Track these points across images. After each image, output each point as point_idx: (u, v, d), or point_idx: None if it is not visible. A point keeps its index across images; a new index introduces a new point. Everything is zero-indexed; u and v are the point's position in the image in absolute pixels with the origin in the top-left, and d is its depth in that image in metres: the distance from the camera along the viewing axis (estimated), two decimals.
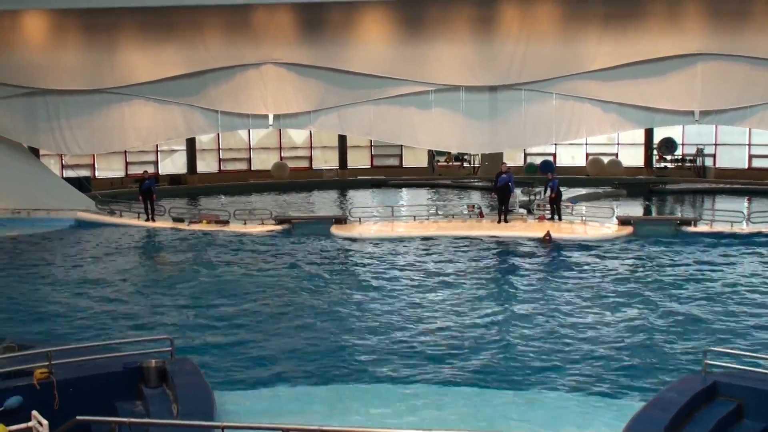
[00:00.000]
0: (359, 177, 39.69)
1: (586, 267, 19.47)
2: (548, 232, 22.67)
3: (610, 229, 24.07)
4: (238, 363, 12.80)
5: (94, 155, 35.12)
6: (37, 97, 27.49)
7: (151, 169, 36.76)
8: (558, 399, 11.32)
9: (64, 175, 32.76)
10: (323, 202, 33.61)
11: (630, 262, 20.05)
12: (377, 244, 22.72)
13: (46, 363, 10.02)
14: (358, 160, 41.41)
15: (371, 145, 41.10)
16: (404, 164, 41.60)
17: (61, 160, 34.79)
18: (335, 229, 24.58)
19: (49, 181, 28.92)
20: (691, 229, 23.68)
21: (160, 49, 26.96)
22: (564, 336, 13.92)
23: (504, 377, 12.08)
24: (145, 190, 26.43)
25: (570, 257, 20.70)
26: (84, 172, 34.45)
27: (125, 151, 35.66)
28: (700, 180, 36.01)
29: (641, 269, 19.19)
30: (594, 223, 24.96)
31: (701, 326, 14.42)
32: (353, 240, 23.38)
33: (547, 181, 25.49)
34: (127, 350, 11.44)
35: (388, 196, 35.03)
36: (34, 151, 31.25)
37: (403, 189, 37.71)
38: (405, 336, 14.03)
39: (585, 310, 15.58)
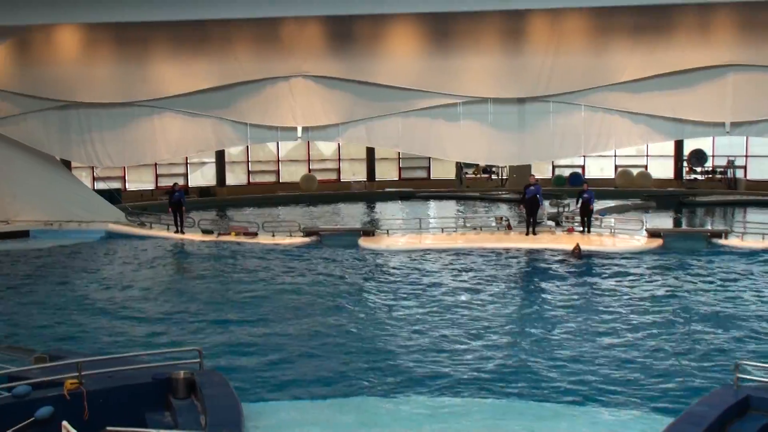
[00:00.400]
0: (387, 189, 39.71)
1: (615, 279, 19.29)
2: (577, 244, 22.49)
3: (639, 241, 23.86)
4: (266, 375, 12.79)
5: (124, 167, 35.47)
6: (69, 110, 27.83)
7: (180, 182, 37.04)
8: (587, 413, 11.19)
9: (96, 188, 33.12)
10: (351, 215, 33.63)
11: (660, 274, 19.84)
12: (405, 256, 22.69)
13: (77, 374, 10.09)
14: (386, 172, 41.45)
15: (399, 158, 41.13)
16: (432, 176, 41.58)
17: (93, 172, 35.15)
18: (363, 242, 24.58)
19: (80, 194, 29.23)
20: (722, 241, 23.41)
21: (191, 62, 27.20)
22: (593, 349, 13.78)
23: (531, 390, 11.97)
24: (175, 202, 26.59)
25: (599, 270, 20.53)
26: (115, 185, 34.81)
27: (155, 164, 35.96)
28: (731, 192, 35.61)
29: (671, 282, 18.98)
30: (623, 235, 24.76)
31: (732, 339, 14.22)
32: (381, 252, 23.36)
33: (581, 192, 25.31)
34: (156, 361, 11.49)
35: (416, 208, 34.99)
36: (67, 164, 31.60)
37: (431, 201, 37.65)
38: (433, 348, 13.97)
39: (614, 322, 15.43)
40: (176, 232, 26.52)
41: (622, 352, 13.60)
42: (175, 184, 28.00)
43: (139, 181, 37.37)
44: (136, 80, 27.38)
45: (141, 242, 25.83)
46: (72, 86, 27.37)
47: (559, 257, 22.09)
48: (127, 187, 36.50)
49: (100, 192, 30.95)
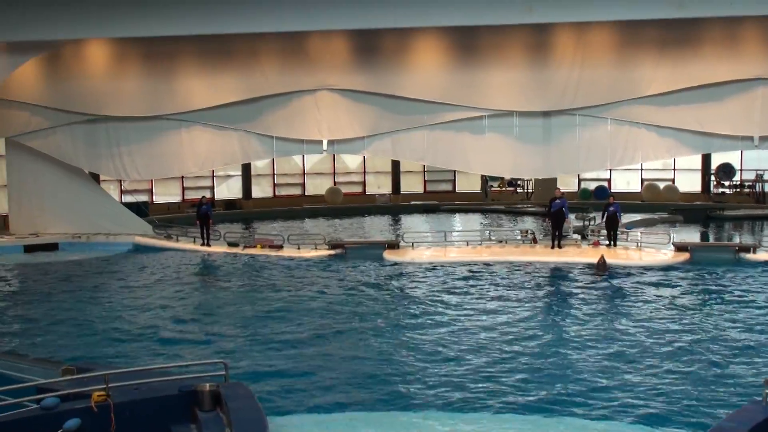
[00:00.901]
0: (412, 202, 39.71)
1: (641, 293, 19.13)
2: (602, 256, 22.34)
3: (666, 255, 23.67)
4: (292, 387, 12.80)
5: (152, 180, 35.75)
6: (98, 123, 28.10)
7: (207, 195, 37.29)
8: (613, 428, 11.09)
9: (123, 200, 33.40)
10: (376, 227, 33.66)
11: (687, 288, 19.67)
12: (430, 269, 22.66)
13: (104, 386, 10.14)
14: (411, 185, 41.46)
15: (424, 171, 41.15)
16: (457, 189, 41.53)
17: (120, 185, 35.46)
18: (388, 254, 24.59)
19: (108, 206, 29.49)
20: (751, 256, 23.17)
21: (218, 76, 27.40)
22: (619, 364, 13.67)
23: (557, 405, 11.88)
24: (202, 215, 26.77)
25: (625, 283, 20.38)
26: (142, 197, 35.07)
27: (182, 177, 36.22)
28: (759, 206, 35.25)
29: (698, 296, 18.81)
30: (650, 249, 24.57)
31: (761, 355, 14.05)
32: (406, 265, 23.35)
33: (607, 206, 25.17)
34: (182, 374, 11.54)
35: (441, 221, 34.95)
36: (95, 177, 31.90)
37: (456, 214, 37.58)
38: (457, 362, 13.91)
39: (640, 337, 15.29)
40: (202, 244, 26.67)
41: (650, 367, 13.47)
42: (203, 197, 28.19)
43: (167, 194, 37.65)
44: (164, 94, 27.62)
45: (168, 254, 25.99)
46: (101, 100, 27.66)
47: (585, 271, 21.96)
48: (154, 199, 36.77)
49: (128, 205, 31.21)
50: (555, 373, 13.27)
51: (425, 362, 13.98)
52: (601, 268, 21.90)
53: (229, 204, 37.64)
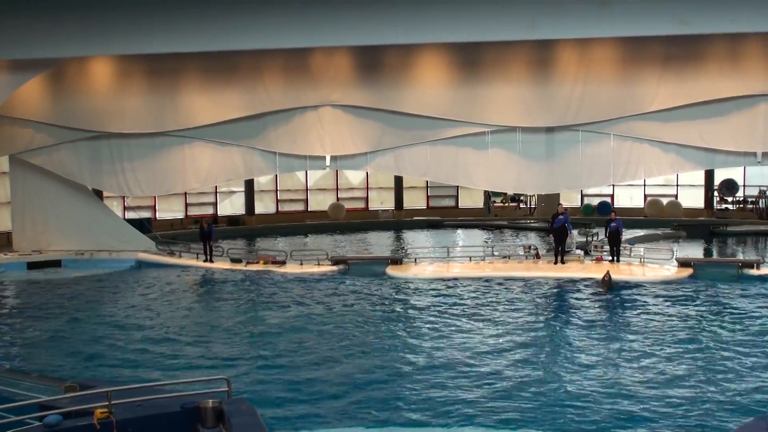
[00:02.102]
0: (415, 218, 39.71)
1: (645, 309, 19.09)
2: (608, 272, 22.30)
3: (669, 271, 23.63)
4: (295, 404, 12.77)
5: (155, 197, 35.77)
6: (101, 140, 28.15)
7: (210, 210, 37.35)
8: None
9: (126, 217, 33.41)
10: (379, 243, 33.65)
11: (690, 304, 19.60)
12: (433, 284, 22.62)
13: (106, 403, 10.11)
14: (414, 200, 41.47)
15: (427, 186, 41.15)
16: (460, 205, 41.52)
17: (124, 201, 35.49)
18: (391, 270, 24.57)
19: (111, 223, 29.49)
20: (754, 271, 23.14)
21: (221, 92, 27.46)
22: (623, 379, 13.63)
23: (561, 423, 11.83)
24: (206, 234, 26.87)
25: (629, 299, 20.34)
26: (145, 214, 35.11)
27: (185, 193, 36.24)
28: (763, 222, 35.17)
29: (702, 312, 18.74)
30: (653, 264, 24.53)
31: (766, 370, 13.99)
32: (409, 281, 23.31)
33: (609, 221, 25.16)
34: (185, 390, 11.50)
35: (444, 236, 34.95)
36: (98, 193, 31.93)
37: (459, 230, 37.59)
38: (460, 378, 13.86)
39: (645, 353, 15.24)
40: (205, 261, 26.66)
41: (654, 383, 13.42)
42: (204, 220, 28.08)
43: (169, 210, 37.67)
44: (167, 110, 27.67)
45: (171, 271, 25.97)
46: (104, 117, 27.69)
47: (588, 286, 21.92)
48: (157, 216, 36.80)
49: (131, 221, 31.21)
50: (557, 390, 13.20)
51: (428, 378, 13.93)
52: (606, 284, 21.85)
53: (232, 220, 37.66)
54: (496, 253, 26.97)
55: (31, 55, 24.76)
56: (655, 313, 18.65)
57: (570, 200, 38.21)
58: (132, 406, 10.37)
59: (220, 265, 26.28)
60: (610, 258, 25.04)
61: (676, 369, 14.19)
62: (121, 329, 18.12)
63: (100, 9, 23.45)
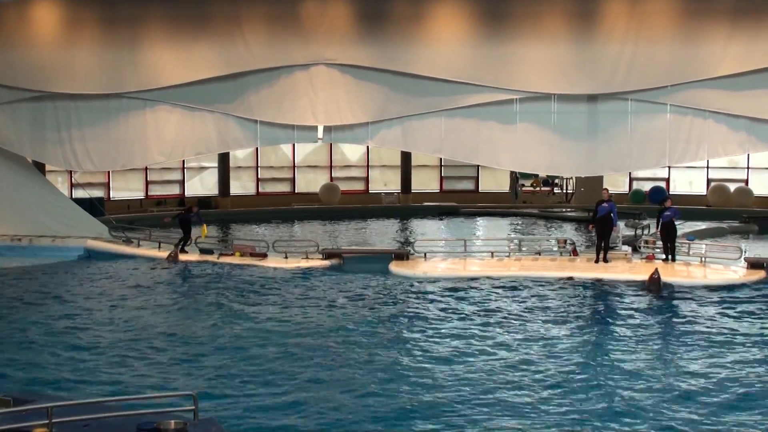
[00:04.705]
0: (425, 203, 39.75)
1: (704, 318, 19.09)
2: (656, 270, 22.29)
3: (736, 273, 23.65)
4: (271, 424, 12.82)
5: (108, 172, 35.80)
6: (45, 102, 28.17)
7: (176, 190, 37.39)
8: None
9: (73, 196, 33.46)
10: (381, 233, 33.66)
11: (759, 313, 19.61)
12: (446, 285, 22.63)
13: (46, 421, 10.15)
14: (425, 182, 41.51)
15: (441, 165, 41.15)
16: (481, 189, 41.55)
17: (70, 177, 35.51)
18: (395, 267, 24.61)
19: (55, 203, 29.53)
20: None
21: (191, 46, 27.41)
22: (673, 400, 13.69)
23: None
24: (184, 221, 26.96)
25: (684, 306, 20.36)
26: (96, 193, 35.15)
27: (146, 168, 36.27)
28: None
29: None
30: (717, 265, 24.53)
31: None
32: (417, 280, 23.35)
33: (662, 211, 25.11)
34: (143, 408, 11.55)
35: (461, 227, 34.96)
36: (39, 167, 31.95)
37: (479, 219, 37.58)
38: (479, 398, 13.89)
39: (702, 371, 15.26)
40: (176, 246, 26.60)
41: (711, 410, 13.44)
42: (191, 206, 28.18)
43: (126, 189, 37.74)
44: (125, 68, 27.62)
45: (126, 263, 26.00)
46: (48, 74, 27.68)
47: (636, 290, 21.93)
48: (111, 195, 36.86)
49: (79, 201, 31.24)
50: (599, 410, 13.24)
51: (438, 398, 13.95)
52: (653, 285, 21.85)
53: (203, 202, 37.69)
54: (524, 249, 26.97)
55: None
56: (717, 325, 18.63)
57: (616, 185, 38.21)
58: (78, 426, 10.41)
59: (187, 257, 26.30)
60: (663, 256, 25.04)
61: (737, 394, 14.16)
62: (66, 333, 18.14)
63: None
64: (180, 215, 27.66)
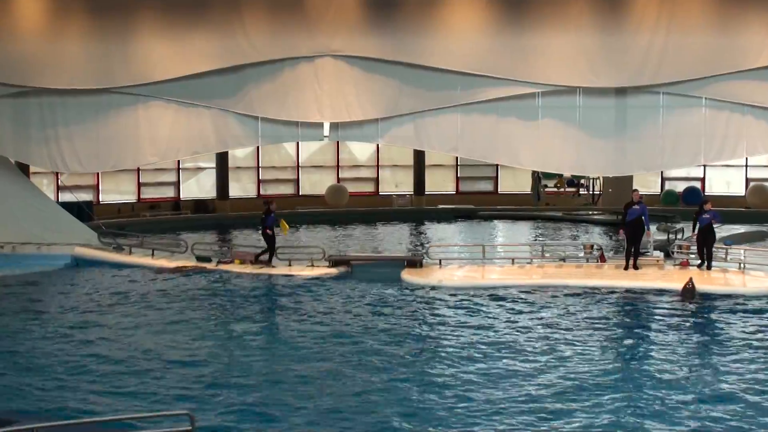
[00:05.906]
0: (440, 206, 39.74)
1: (741, 330, 19.07)
2: (690, 279, 22.30)
3: None
4: None
5: (98, 174, 35.87)
6: (28, 98, 28.23)
7: (170, 193, 37.45)
8: None
9: (60, 200, 33.52)
10: (392, 238, 33.67)
11: None
12: (463, 294, 22.64)
13: None
14: (440, 183, 41.54)
15: (457, 165, 41.16)
16: (500, 190, 41.55)
17: (57, 179, 35.59)
18: (407, 274, 24.63)
19: (40, 207, 29.56)
20: None
21: (187, 37, 27.47)
22: (710, 415, 13.68)
23: None
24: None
25: (721, 316, 20.33)
26: (85, 196, 35.22)
27: (138, 169, 36.34)
28: None
29: None
30: (757, 272, 24.49)
31: None
32: (431, 288, 23.36)
33: (698, 214, 25.05)
34: (136, 428, 11.59)
35: (479, 231, 34.93)
36: (23, 168, 32.01)
37: (498, 222, 37.56)
38: (501, 418, 13.89)
39: (740, 387, 15.23)
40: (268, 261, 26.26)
41: (748, 421, 13.44)
42: (270, 203, 27.31)
43: (117, 192, 37.81)
44: (116, 60, 27.69)
45: (117, 272, 26.04)
46: (32, 67, 27.74)
47: (669, 299, 21.92)
48: (100, 199, 36.94)
49: (66, 205, 31.30)
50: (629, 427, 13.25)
51: (454, 419, 13.95)
52: (688, 294, 21.85)
53: (200, 205, 37.80)
54: (547, 254, 26.96)
55: None
56: (757, 336, 18.60)
57: (647, 185, 38.16)
58: None
59: (183, 263, 26.32)
60: (699, 262, 25.00)
61: None
62: (53, 347, 18.18)
63: None
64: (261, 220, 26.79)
